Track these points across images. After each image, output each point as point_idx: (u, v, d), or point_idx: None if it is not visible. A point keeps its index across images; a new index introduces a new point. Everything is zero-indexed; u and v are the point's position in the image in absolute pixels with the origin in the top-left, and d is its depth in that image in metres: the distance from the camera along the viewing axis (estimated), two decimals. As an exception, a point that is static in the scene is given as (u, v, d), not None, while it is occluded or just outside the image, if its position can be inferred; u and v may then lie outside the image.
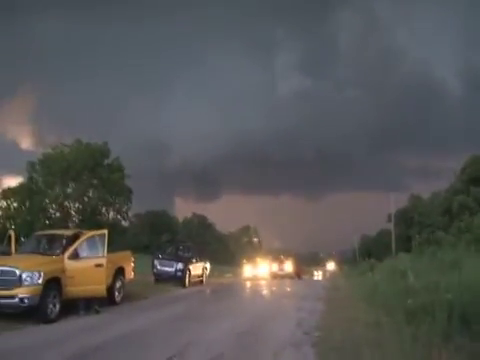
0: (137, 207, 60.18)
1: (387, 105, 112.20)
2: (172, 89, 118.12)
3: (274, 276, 31.28)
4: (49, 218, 36.12)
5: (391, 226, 47.68)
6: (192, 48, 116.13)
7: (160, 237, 56.89)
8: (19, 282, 9.89)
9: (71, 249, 11.49)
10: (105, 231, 12.36)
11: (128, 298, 13.76)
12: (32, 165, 35.46)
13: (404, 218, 60.02)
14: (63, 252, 11.44)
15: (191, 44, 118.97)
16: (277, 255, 37.64)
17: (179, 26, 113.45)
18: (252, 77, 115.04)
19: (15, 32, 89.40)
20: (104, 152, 36.46)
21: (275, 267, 33.10)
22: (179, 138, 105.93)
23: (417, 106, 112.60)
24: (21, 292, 9.79)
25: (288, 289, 21.14)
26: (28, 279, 9.92)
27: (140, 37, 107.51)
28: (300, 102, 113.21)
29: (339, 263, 61.53)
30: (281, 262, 33.77)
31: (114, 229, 36.63)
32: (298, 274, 35.03)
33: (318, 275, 50.26)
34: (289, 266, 33.26)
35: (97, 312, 11.35)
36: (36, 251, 12.03)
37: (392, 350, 6.45)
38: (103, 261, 11.74)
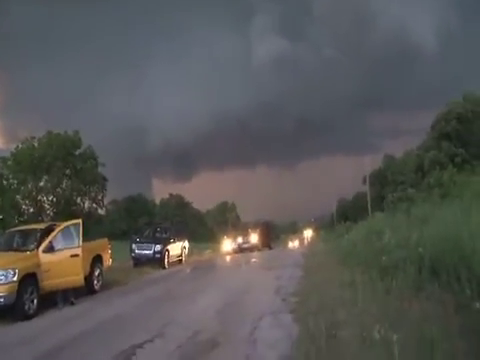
0: (116, 193, 59.88)
1: (363, 66, 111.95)
2: (145, 67, 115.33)
3: (240, 250, 30.02)
4: (22, 214, 35.55)
5: (366, 188, 48.42)
6: (164, 21, 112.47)
7: (138, 222, 56.73)
8: (-6, 281, 9.74)
9: (45, 242, 11.31)
10: (79, 221, 12.22)
11: (107, 285, 13.72)
12: (4, 161, 34.70)
13: (379, 179, 61.04)
14: (37, 246, 11.25)
15: (163, 17, 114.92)
16: (244, 227, 35.61)
17: (150, 4, 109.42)
18: (227, 46, 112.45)
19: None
20: (75, 142, 35.88)
21: (240, 240, 31.29)
22: (155, 119, 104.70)
23: (393, 66, 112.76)
24: (-3, 291, 9.65)
25: (266, 260, 21.40)
26: (2, 278, 9.73)
27: (109, 16, 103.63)
28: (277, 69, 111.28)
29: (317, 229, 62.26)
30: (246, 234, 31.79)
31: (90, 218, 36.43)
32: (268, 244, 33.90)
33: (293, 244, 49.62)
34: (255, 238, 31.32)
35: (72, 304, 11.28)
36: (9, 248, 11.82)
37: (366, 306, 6.61)
38: (78, 251, 11.61)
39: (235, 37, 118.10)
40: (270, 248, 33.41)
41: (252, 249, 29.84)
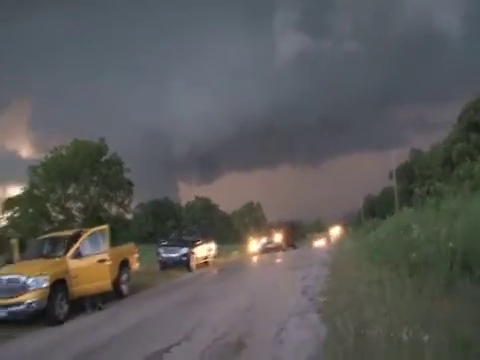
0: (143, 197, 60.61)
1: (386, 58, 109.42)
2: (170, 74, 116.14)
3: (264, 250, 29.66)
4: (52, 222, 36.30)
5: (393, 183, 47.78)
6: (186, 26, 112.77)
7: (165, 225, 57.21)
8: (25, 288, 9.93)
9: (73, 249, 11.54)
10: (106, 226, 12.43)
11: (135, 289, 13.86)
12: (34, 169, 35.54)
13: (406, 173, 60.10)
14: (65, 253, 11.50)
15: (186, 26, 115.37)
16: (268, 227, 35.25)
17: (171, 8, 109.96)
18: (248, 45, 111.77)
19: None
20: (101, 149, 36.47)
21: (264, 240, 31.03)
22: (179, 123, 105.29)
23: (417, 56, 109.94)
24: (28, 297, 9.83)
25: (292, 259, 21.25)
26: (34, 284, 9.97)
27: (133, 24, 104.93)
28: (299, 67, 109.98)
29: (345, 226, 61.39)
30: (270, 234, 31.47)
31: (118, 223, 36.95)
32: (292, 244, 33.23)
33: (319, 242, 48.24)
34: (279, 237, 30.90)
35: (100, 309, 11.40)
36: (39, 255, 12.04)
37: (395, 305, 6.44)
38: (106, 256, 11.80)
39: (256, 36, 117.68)
40: (295, 247, 32.94)
41: (277, 249, 29.47)
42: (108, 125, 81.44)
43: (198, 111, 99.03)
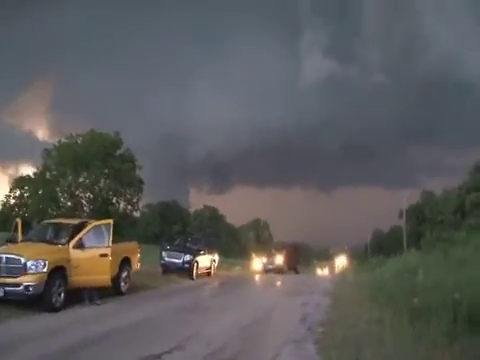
0: (152, 197, 60.76)
1: (411, 95, 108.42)
2: (194, 79, 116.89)
3: (264, 271, 28.99)
4: (61, 207, 36.46)
5: (403, 222, 47.33)
6: (213, 36, 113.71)
7: (171, 228, 57.18)
8: (24, 270, 9.94)
9: (76, 238, 11.49)
10: (111, 221, 12.35)
11: (134, 288, 13.78)
12: (48, 152, 35.84)
13: (416, 214, 59.59)
14: (68, 241, 11.46)
15: (213, 33, 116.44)
16: (270, 248, 34.83)
17: (199, 14, 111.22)
18: (274, 63, 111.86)
19: (29, 20, 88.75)
20: (116, 142, 36.65)
21: (265, 260, 30.44)
22: (199, 129, 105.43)
23: (442, 98, 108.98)
24: (26, 280, 9.84)
25: (294, 284, 21.04)
26: (33, 267, 9.97)
27: (161, 26, 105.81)
28: (323, 90, 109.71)
29: (350, 258, 60.82)
30: (271, 255, 30.86)
31: (125, 219, 37.00)
32: (294, 267, 32.49)
33: (323, 271, 46.70)
34: (280, 259, 30.16)
35: (97, 304, 11.33)
36: (42, 239, 12.04)
37: (394, 349, 6.31)
38: (108, 251, 11.73)
39: (286, 51, 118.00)
40: (297, 272, 32.34)
41: (277, 271, 28.73)
42: (126, 121, 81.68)
43: (218, 119, 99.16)
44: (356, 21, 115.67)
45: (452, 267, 10.80)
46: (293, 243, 40.25)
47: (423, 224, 53.91)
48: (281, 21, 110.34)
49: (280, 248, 32.59)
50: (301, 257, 36.94)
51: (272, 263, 29.81)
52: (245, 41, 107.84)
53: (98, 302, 11.46)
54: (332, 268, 50.32)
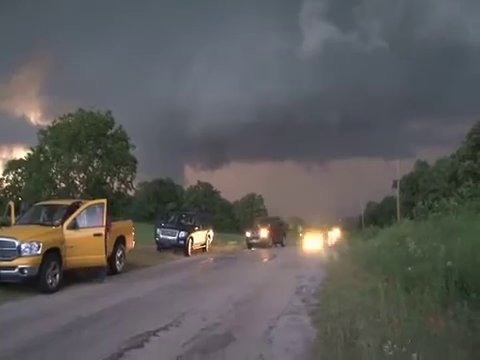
0: (149, 174, 60.76)
1: (409, 63, 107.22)
2: (192, 54, 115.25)
3: (248, 245, 28.86)
4: (54, 188, 36.34)
5: (397, 192, 47.56)
6: (211, 10, 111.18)
7: (165, 206, 57.28)
8: (18, 253, 9.95)
9: (70, 219, 11.48)
10: (104, 200, 12.28)
11: (130, 267, 13.84)
12: (44, 133, 35.52)
13: (410, 184, 59.95)
14: (62, 222, 11.44)
15: (210, 6, 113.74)
16: (254, 223, 33.35)
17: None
18: (274, 37, 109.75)
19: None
20: (107, 122, 36.33)
21: (249, 234, 29.55)
22: (197, 105, 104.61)
23: (440, 66, 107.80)
24: (20, 263, 9.85)
25: (290, 256, 21.23)
26: (27, 250, 9.97)
27: (159, 5, 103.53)
28: (321, 62, 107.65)
29: (344, 230, 61.07)
30: (255, 229, 29.79)
31: (119, 198, 36.98)
32: (280, 241, 31.55)
33: (313, 242, 46.61)
34: (265, 233, 29.16)
35: (104, 282, 11.63)
36: (36, 222, 12.05)
37: (389, 318, 6.37)
38: (102, 230, 11.71)
39: (283, 26, 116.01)
40: (282, 245, 31.53)
41: (262, 245, 28.24)
42: (123, 99, 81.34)
43: (217, 95, 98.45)
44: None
45: (444, 236, 10.89)
46: (277, 217, 39.77)
47: (417, 194, 54.21)
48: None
49: (264, 222, 32.07)
50: (285, 231, 35.96)
51: (257, 237, 29.17)
52: (246, 15, 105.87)
53: (105, 280, 11.72)
54: (325, 239, 48.32)
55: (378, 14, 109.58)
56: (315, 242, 36.86)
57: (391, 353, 4.70)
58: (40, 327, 7.01)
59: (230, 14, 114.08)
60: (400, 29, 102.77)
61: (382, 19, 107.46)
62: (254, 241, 28.95)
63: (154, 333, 6.56)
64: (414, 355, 4.44)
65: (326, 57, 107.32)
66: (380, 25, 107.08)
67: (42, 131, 35.95)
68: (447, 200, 21.02)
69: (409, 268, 8.76)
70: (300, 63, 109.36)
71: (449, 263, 7.62)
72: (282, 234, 32.61)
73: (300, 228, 51.15)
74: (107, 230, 11.92)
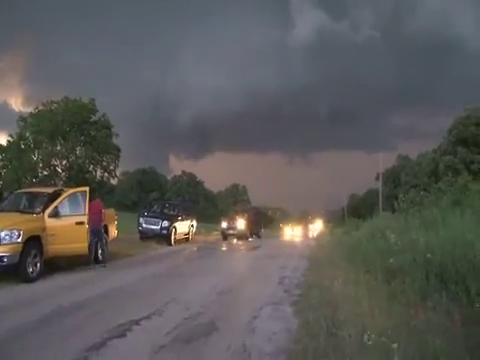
0: (134, 163, 60.34)
1: (398, 55, 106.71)
2: (179, 43, 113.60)
3: (224, 236, 27.09)
4: (36, 176, 35.83)
5: (379, 185, 48.05)
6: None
7: (149, 195, 57.03)
8: (-3, 241, 9.77)
9: (51, 207, 11.32)
10: (86, 188, 12.18)
11: (112, 257, 13.75)
12: (24, 120, 34.93)
13: (392, 178, 60.58)
14: (43, 210, 11.27)
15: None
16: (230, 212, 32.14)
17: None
18: (267, 24, 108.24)
19: None
20: (91, 109, 35.88)
21: (225, 225, 27.56)
22: (184, 93, 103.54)
23: (428, 58, 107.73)
24: (0, 251, 9.64)
25: (273, 248, 21.37)
26: (7, 238, 9.78)
27: None
28: (310, 52, 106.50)
29: (327, 222, 61.61)
30: (232, 219, 27.99)
31: (102, 187, 36.64)
32: (257, 232, 30.00)
33: (294, 233, 43.21)
34: (242, 224, 27.38)
35: (104, 267, 12.33)
36: (16, 209, 11.85)
37: (370, 308, 6.47)
38: (84, 219, 11.62)
39: (274, 14, 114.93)
40: (258, 237, 30.03)
41: (238, 237, 26.79)
42: (110, 88, 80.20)
43: (204, 83, 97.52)
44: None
45: (423, 229, 11.08)
46: (254, 207, 39.11)
47: (399, 187, 54.76)
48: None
49: (241, 212, 30.79)
50: (263, 221, 34.87)
51: (233, 228, 27.31)
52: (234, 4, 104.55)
53: (105, 265, 12.33)
54: (306, 231, 48.00)
55: (369, 4, 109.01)
56: (296, 233, 36.78)
57: (371, 343, 4.79)
58: (21, 316, 6.93)
59: (220, 1, 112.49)
60: (391, 20, 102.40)
61: (373, 10, 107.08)
62: (230, 232, 27.34)
63: (137, 322, 6.55)
64: (394, 345, 4.53)
65: (316, 46, 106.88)
66: (371, 16, 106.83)
67: (22, 118, 35.33)
68: (426, 194, 21.35)
69: (391, 260, 8.90)
70: (290, 51, 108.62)
71: (428, 255, 7.77)
72: (259, 225, 31.39)
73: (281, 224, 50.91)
74: (100, 218, 12.35)
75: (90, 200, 12.00)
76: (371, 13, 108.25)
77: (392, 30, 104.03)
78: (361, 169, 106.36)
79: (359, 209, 64.86)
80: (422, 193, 23.92)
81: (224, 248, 20.58)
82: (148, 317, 6.89)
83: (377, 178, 50.49)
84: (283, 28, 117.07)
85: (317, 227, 52.77)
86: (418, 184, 46.99)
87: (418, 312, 5.84)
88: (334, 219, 67.27)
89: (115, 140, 37.27)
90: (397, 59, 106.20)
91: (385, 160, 51.86)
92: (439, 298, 6.32)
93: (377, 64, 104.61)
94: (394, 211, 25.83)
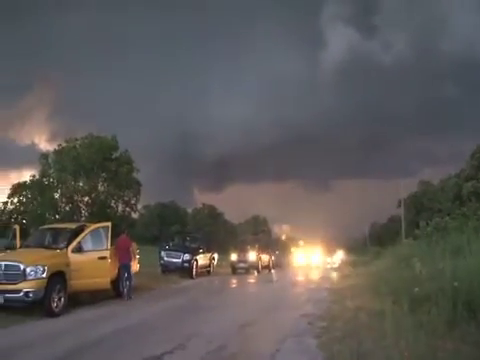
0: (155, 197, 60.71)
1: (424, 80, 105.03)
2: (203, 75, 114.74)
3: (233, 270, 25.01)
4: (59, 212, 36.34)
5: (401, 212, 47.41)
6: (226, 27, 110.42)
7: (170, 228, 57.17)
8: (23, 276, 9.89)
9: (75, 242, 11.48)
10: (109, 224, 12.35)
11: (134, 290, 13.75)
12: (45, 157, 35.69)
13: (414, 204, 59.74)
14: (67, 246, 11.42)
15: (225, 23, 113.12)
16: (244, 244, 29.60)
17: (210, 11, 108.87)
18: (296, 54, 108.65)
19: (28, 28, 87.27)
20: (113, 146, 36.58)
21: (235, 258, 25.39)
22: (209, 125, 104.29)
23: (455, 83, 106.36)
24: (26, 286, 9.78)
25: (296, 278, 21.12)
26: (32, 273, 9.92)
27: (171, 25, 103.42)
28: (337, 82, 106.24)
29: (349, 251, 60.69)
30: (243, 251, 25.82)
31: (123, 221, 36.93)
32: (267, 265, 27.68)
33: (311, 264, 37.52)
34: (254, 256, 25.40)
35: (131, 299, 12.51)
36: (40, 245, 12.02)
37: (396, 339, 6.33)
38: (106, 254, 11.75)
39: (303, 43, 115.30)
40: (269, 270, 27.92)
41: (250, 270, 25.11)
42: (134, 120, 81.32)
43: (230, 116, 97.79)
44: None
45: (449, 256, 10.85)
46: (262, 237, 36.79)
47: (421, 213, 53.93)
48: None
49: (252, 242, 29.48)
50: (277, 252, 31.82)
51: (244, 261, 25.21)
52: (264, 31, 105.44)
53: (132, 296, 12.46)
54: (325, 263, 41.04)
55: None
56: (314, 262, 34.81)
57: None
58: (44, 351, 6.98)
59: (247, 28, 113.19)
60: (422, 41, 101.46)
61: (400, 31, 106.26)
62: (241, 265, 25.26)
63: (160, 357, 6.52)
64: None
65: (334, 80, 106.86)
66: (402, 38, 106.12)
67: (44, 156, 36.11)
68: (451, 220, 20.94)
69: (416, 289, 8.72)
70: (313, 84, 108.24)
71: (456, 283, 7.59)
72: (270, 257, 29.06)
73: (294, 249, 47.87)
74: (129, 254, 12.78)
75: (116, 235, 12.14)
76: (396, 36, 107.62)
77: (419, 52, 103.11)
78: (383, 196, 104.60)
79: (381, 236, 63.91)
80: (446, 219, 23.46)
81: (246, 280, 20.38)
82: (171, 351, 6.84)
83: (399, 205, 49.85)
84: (313, 59, 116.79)
85: (339, 257, 51.82)
86: (442, 209, 46.22)
87: (446, 343, 5.69)
88: (356, 247, 66.31)
89: (136, 175, 37.80)
90: (423, 84, 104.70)
91: (407, 186, 51.34)
92: (467, 328, 6.17)
93: (403, 91, 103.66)
94: (417, 238, 25.42)
